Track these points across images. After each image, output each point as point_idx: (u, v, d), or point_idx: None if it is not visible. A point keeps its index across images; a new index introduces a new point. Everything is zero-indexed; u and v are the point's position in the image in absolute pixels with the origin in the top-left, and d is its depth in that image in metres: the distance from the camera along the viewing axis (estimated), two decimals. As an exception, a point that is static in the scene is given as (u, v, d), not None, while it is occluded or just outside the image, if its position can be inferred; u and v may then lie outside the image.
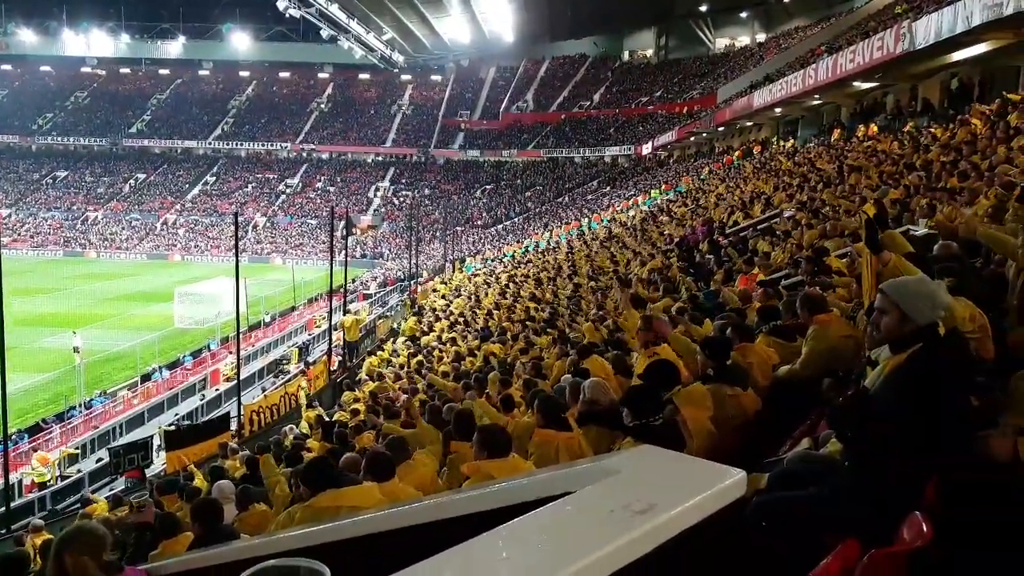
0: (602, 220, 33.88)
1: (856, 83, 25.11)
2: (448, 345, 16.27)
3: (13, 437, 18.08)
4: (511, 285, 22.03)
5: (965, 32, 16.95)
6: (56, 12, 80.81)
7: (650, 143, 54.18)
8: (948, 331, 2.52)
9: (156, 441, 16.96)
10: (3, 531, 12.70)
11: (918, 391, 2.32)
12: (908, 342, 2.42)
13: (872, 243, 3.62)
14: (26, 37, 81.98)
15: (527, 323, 14.02)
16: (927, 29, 18.48)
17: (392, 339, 24.09)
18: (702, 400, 4.02)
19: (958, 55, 19.64)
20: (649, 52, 75.89)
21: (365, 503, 3.59)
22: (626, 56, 77.57)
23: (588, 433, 4.18)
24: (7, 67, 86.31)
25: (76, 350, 25.18)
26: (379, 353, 19.74)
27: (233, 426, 16.84)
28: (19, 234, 64.15)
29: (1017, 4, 14.74)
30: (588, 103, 71.72)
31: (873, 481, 2.34)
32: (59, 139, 78.85)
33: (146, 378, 23.69)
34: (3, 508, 13.62)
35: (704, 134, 44.41)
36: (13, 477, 14.89)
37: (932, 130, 17.32)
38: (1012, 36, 17.02)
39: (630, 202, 36.98)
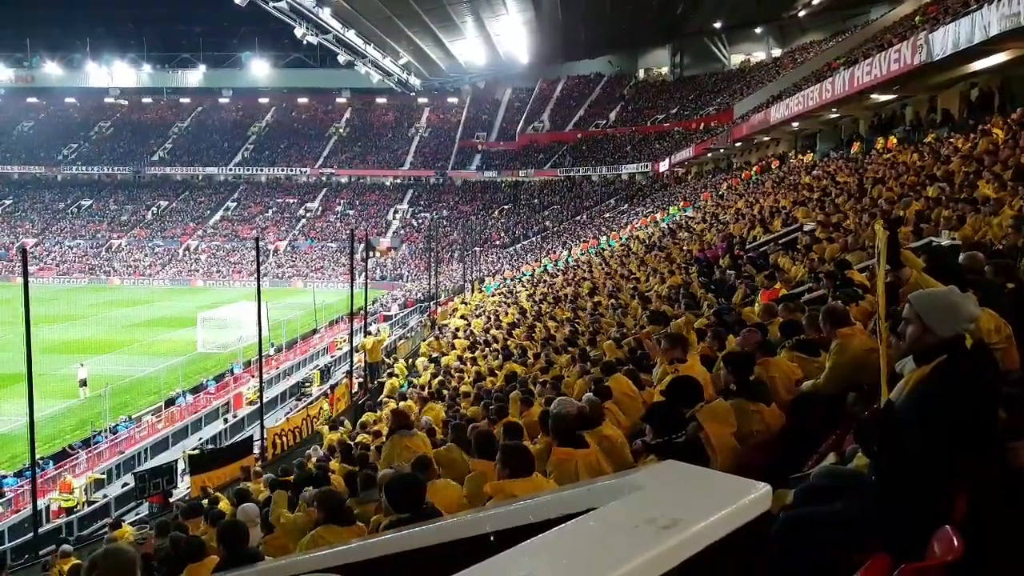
0: (620, 238, 33.77)
1: (874, 95, 24.93)
2: (469, 365, 16.26)
3: (40, 463, 18.35)
4: (530, 304, 22.03)
5: (983, 42, 16.75)
6: (80, 45, 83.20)
7: (667, 160, 54.12)
8: (975, 343, 2.47)
9: (180, 465, 17.10)
10: (32, 556, 12.82)
11: (943, 403, 2.29)
12: (931, 354, 2.40)
13: (894, 259, 3.53)
14: (51, 70, 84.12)
15: (548, 341, 13.98)
16: (944, 40, 18.32)
17: (409, 359, 24.10)
18: (725, 416, 4.00)
19: (976, 65, 19.47)
20: (664, 69, 76.14)
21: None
22: (641, 74, 77.86)
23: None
24: (33, 99, 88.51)
25: (83, 383, 25.35)
26: (394, 377, 19.70)
27: (256, 449, 16.94)
28: (45, 263, 65.26)
29: None
30: (604, 122, 71.93)
31: (901, 496, 2.31)
32: (83, 169, 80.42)
33: (170, 403, 23.89)
34: (31, 534, 13.76)
35: (721, 150, 44.32)
36: (40, 503, 15.03)
37: (952, 140, 17.16)
38: (1032, 45, 16.90)
39: (648, 219, 36.91)
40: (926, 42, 19.17)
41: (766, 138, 38.46)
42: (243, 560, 4.42)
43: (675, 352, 5.63)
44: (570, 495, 1.65)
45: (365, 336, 24.05)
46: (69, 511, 16.69)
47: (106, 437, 20.78)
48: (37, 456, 14.48)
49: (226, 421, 22.70)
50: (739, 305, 9.35)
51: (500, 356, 15.06)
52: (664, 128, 63.84)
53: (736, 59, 69.05)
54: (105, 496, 17.07)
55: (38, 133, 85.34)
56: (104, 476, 18.70)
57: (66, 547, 10.95)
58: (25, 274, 12.85)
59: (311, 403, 21.45)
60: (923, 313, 2.44)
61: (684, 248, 19.00)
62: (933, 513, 2.23)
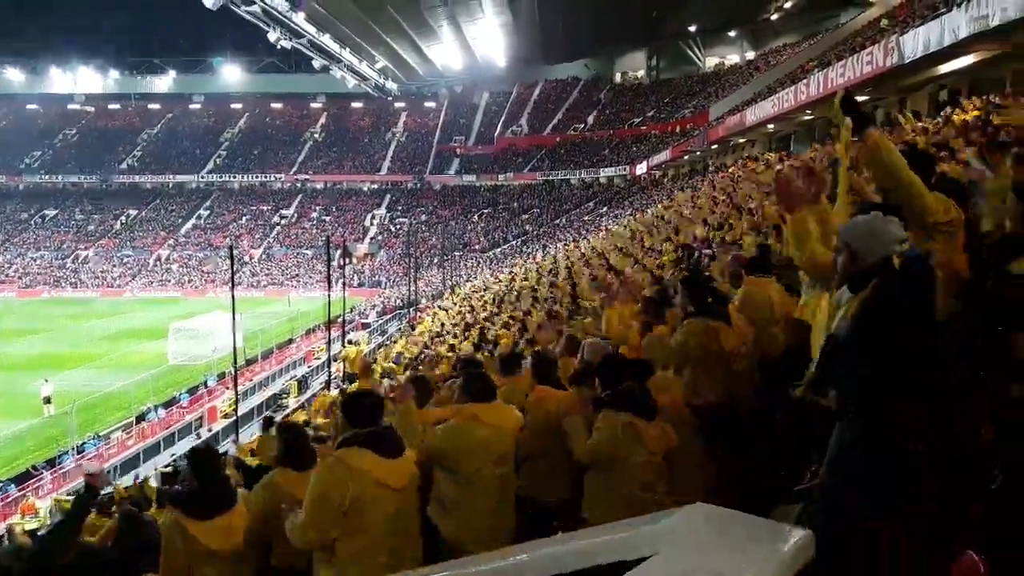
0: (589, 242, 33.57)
1: (847, 97, 25.06)
2: (445, 350, 15.97)
3: (1, 485, 17.69)
4: (508, 301, 21.66)
5: (952, 45, 17.18)
6: (43, 50, 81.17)
7: (644, 163, 54.30)
8: (910, 257, 2.53)
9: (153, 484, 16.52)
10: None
11: (880, 321, 2.34)
12: (864, 280, 2.44)
13: (855, 115, 3.21)
14: (13, 76, 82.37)
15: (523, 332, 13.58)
16: (915, 42, 18.76)
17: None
18: (672, 386, 4.21)
19: (945, 67, 19.87)
20: (640, 73, 76.42)
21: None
22: (618, 77, 78.06)
23: (581, 392, 4.22)
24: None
25: (47, 400, 24.48)
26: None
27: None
28: (7, 275, 63.54)
29: (1003, 16, 14.97)
30: (582, 125, 71.97)
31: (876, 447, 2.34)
32: (47, 177, 78.54)
33: (141, 418, 23.19)
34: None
35: (697, 152, 44.43)
36: (1, 527, 14.41)
37: (921, 124, 17.25)
38: (997, 48, 17.26)
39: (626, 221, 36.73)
40: (897, 45, 19.67)
41: (742, 140, 38.55)
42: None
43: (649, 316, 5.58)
44: (594, 544, 1.51)
45: (344, 345, 23.58)
46: (33, 534, 16.03)
47: (73, 456, 20.07)
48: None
49: (199, 436, 22.05)
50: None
51: (475, 347, 14.73)
52: (641, 131, 64.03)
53: (711, 62, 69.40)
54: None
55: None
56: (71, 498, 18.04)
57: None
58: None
59: (288, 416, 20.93)
60: (850, 241, 2.50)
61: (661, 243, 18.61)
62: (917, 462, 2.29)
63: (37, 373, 27.80)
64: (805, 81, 27.21)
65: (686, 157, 46.51)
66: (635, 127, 65.91)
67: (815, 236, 2.78)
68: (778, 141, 35.23)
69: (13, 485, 18.02)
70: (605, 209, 53.63)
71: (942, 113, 17.39)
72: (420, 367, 15.42)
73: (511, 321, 15.40)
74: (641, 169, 55.45)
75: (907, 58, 19.21)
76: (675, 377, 4.32)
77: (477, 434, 3.65)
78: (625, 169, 59.73)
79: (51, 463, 19.62)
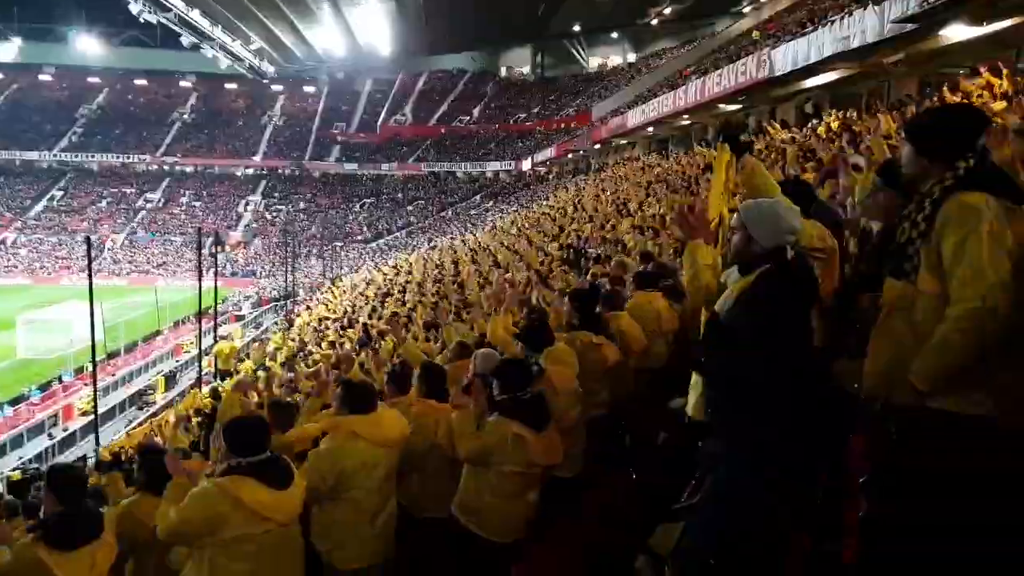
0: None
1: (722, 105, 26.49)
2: (324, 352, 15.50)
3: None
4: (392, 296, 21.31)
5: (818, 61, 18.67)
6: None
7: (530, 159, 55.02)
8: (795, 253, 2.57)
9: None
10: None
11: (764, 308, 2.39)
12: (754, 264, 2.49)
13: (734, 142, 3.39)
14: None
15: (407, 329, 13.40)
16: (785, 57, 20.28)
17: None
18: (567, 357, 4.21)
19: (810, 82, 21.40)
20: (526, 69, 77.30)
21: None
22: (504, 72, 78.57)
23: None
24: None
25: None
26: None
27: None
28: None
29: (862, 39, 16.42)
30: (468, 118, 71.92)
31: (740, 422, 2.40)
32: None
33: (-16, 417, 21.18)
34: None
35: (581, 151, 45.51)
36: None
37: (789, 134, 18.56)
38: (857, 66, 18.77)
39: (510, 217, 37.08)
40: (769, 58, 21.19)
41: (623, 141, 39.81)
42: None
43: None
44: None
45: (216, 340, 22.44)
46: None
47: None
48: None
49: (51, 436, 20.32)
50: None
51: (358, 343, 14.41)
52: (526, 127, 64.82)
53: (594, 62, 71.24)
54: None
55: None
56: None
57: None
58: None
59: (154, 415, 19.72)
60: (748, 223, 2.53)
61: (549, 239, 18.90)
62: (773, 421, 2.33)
63: None
64: (684, 88, 28.50)
65: (570, 155, 47.55)
66: (520, 123, 66.64)
67: (711, 266, 2.79)
68: (657, 143, 36.72)
69: None
70: (491, 203, 53.94)
71: (810, 123, 18.72)
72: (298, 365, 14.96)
73: (395, 318, 15.15)
74: (527, 165, 56.22)
75: (778, 71, 20.72)
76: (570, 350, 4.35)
77: (356, 453, 3.52)
78: (511, 164, 60.32)
79: None
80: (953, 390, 2.15)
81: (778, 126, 19.71)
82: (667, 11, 58.31)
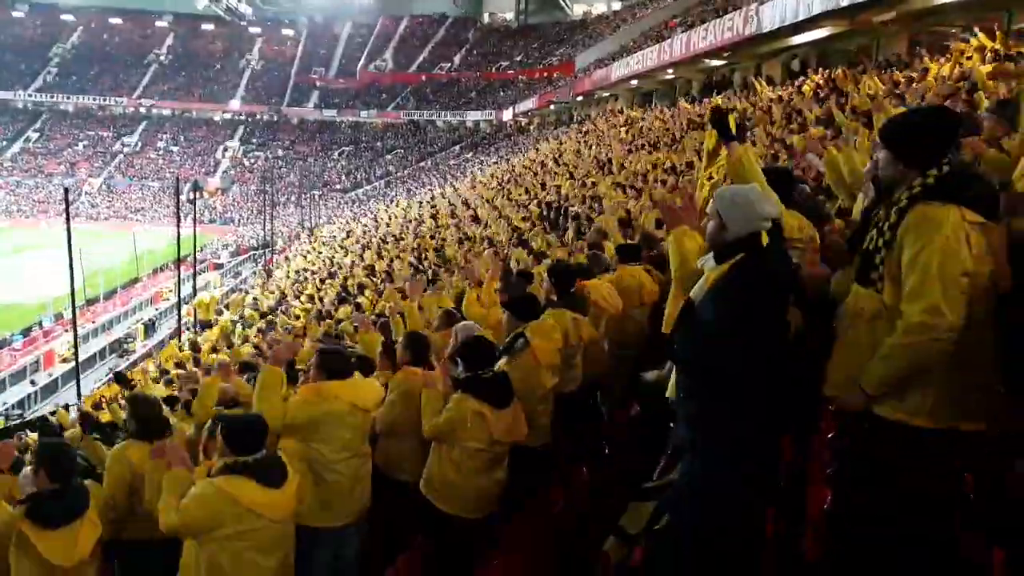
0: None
1: (707, 60, 26.40)
2: (303, 305, 15.71)
3: None
4: (371, 248, 21.48)
5: (807, 19, 18.51)
6: None
7: (511, 109, 54.49)
8: (771, 240, 2.50)
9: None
10: None
11: (738, 298, 2.34)
12: (728, 252, 2.43)
13: (722, 128, 3.33)
14: None
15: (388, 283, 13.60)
16: (773, 14, 20.04)
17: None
18: (550, 332, 4.22)
19: (798, 39, 21.25)
20: (509, 16, 75.86)
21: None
22: (486, 18, 77.13)
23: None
24: None
25: None
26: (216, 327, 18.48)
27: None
28: None
29: None
30: (449, 64, 70.86)
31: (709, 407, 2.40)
32: None
33: (-35, 362, 21.35)
34: None
35: (564, 102, 45.20)
36: None
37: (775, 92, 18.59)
38: (846, 24, 18.62)
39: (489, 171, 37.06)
40: (757, 14, 20.85)
41: (606, 94, 39.60)
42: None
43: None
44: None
45: (195, 289, 22.57)
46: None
47: None
48: None
49: (34, 384, 20.57)
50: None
51: (338, 299, 14.66)
52: (508, 76, 64.02)
53: (579, 9, 70.03)
54: None
55: None
56: None
57: None
58: None
59: (134, 364, 19.96)
60: (721, 209, 2.48)
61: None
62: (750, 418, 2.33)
63: None
64: (668, 41, 28.30)
65: (552, 107, 47.20)
66: (503, 71, 65.76)
67: (695, 253, 2.74)
68: (641, 96, 36.54)
69: None
70: (471, 155, 53.61)
71: (795, 82, 18.69)
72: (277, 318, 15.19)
73: (375, 272, 15.42)
74: (508, 115, 55.68)
75: (765, 28, 20.50)
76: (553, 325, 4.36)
77: (334, 407, 3.58)
78: (491, 114, 59.72)
79: None
80: (892, 396, 2.22)
81: (764, 83, 19.73)
82: (654, -42, 57.21)
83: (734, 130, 3.34)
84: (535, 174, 23.09)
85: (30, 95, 69.96)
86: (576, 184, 16.33)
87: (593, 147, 23.75)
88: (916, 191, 2.23)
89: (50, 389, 20.34)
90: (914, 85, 11.18)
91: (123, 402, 10.85)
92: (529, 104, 50.50)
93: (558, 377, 4.26)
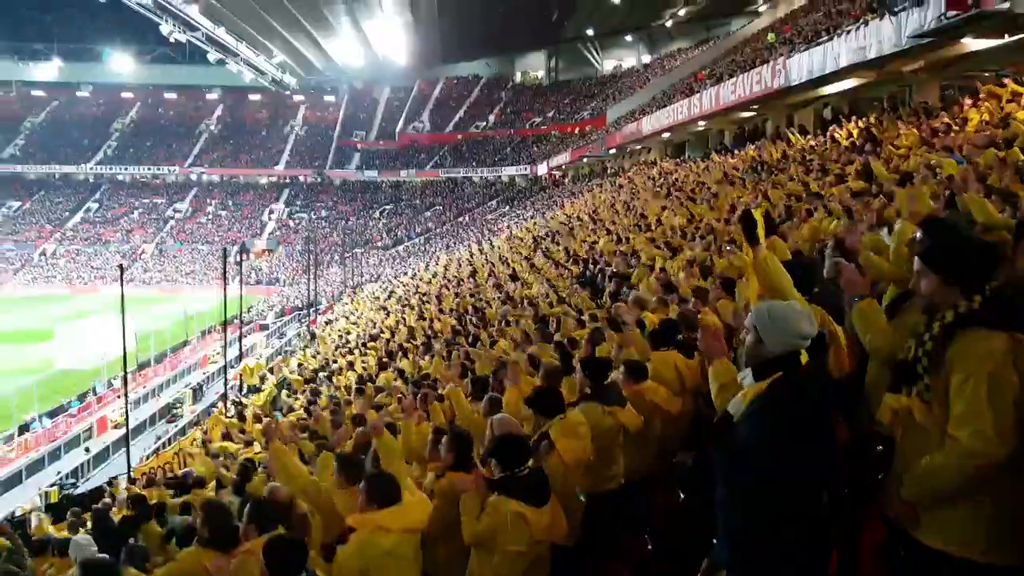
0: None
1: (738, 112, 26.67)
2: (346, 368, 15.91)
3: None
4: (412, 305, 21.73)
5: (833, 71, 18.68)
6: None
7: (545, 163, 55.37)
8: (810, 359, 2.48)
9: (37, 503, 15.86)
10: None
11: (775, 426, 2.31)
12: (766, 369, 2.40)
13: (749, 233, 3.36)
14: None
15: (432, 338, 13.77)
16: (800, 67, 20.30)
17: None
18: (576, 429, 4.07)
19: (828, 89, 21.39)
20: (540, 73, 77.66)
21: None
22: (518, 77, 79.02)
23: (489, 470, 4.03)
24: None
25: None
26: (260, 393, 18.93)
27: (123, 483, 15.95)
28: None
29: (879, 49, 16.40)
30: (484, 123, 72.52)
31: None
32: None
33: (24, 428, 22.08)
34: None
35: (597, 156, 45.82)
36: None
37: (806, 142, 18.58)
38: (874, 75, 18.84)
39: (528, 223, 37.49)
40: (784, 67, 21.09)
41: (639, 146, 40.07)
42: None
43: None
44: None
45: (242, 351, 23.15)
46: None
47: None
48: None
49: (88, 451, 21.14)
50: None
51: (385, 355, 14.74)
52: (541, 131, 65.23)
53: (608, 64, 71.38)
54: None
55: None
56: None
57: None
58: None
59: (182, 432, 20.34)
60: (758, 325, 2.46)
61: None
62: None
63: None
64: (698, 95, 28.67)
65: (585, 160, 47.84)
66: (536, 127, 67.07)
67: (731, 384, 2.73)
68: (674, 147, 36.90)
69: None
70: (508, 208, 54.43)
71: (828, 130, 18.65)
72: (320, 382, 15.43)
73: (415, 336, 15.61)
74: (542, 169, 56.56)
75: (793, 81, 20.73)
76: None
77: (384, 544, 3.50)
78: (527, 169, 60.72)
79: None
80: (938, 525, 2.22)
81: (797, 135, 19.71)
82: (681, 12, 58.30)
83: (763, 231, 3.39)
84: (571, 229, 23.27)
85: (91, 168, 73.79)
86: (611, 240, 16.46)
87: (627, 201, 23.95)
88: (962, 312, 2.21)
89: (102, 458, 20.88)
90: (952, 135, 11.16)
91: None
92: (563, 158, 51.25)
93: (588, 478, 4.13)
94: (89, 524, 8.92)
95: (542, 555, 3.67)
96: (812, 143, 18.11)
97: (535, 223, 33.31)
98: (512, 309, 12.77)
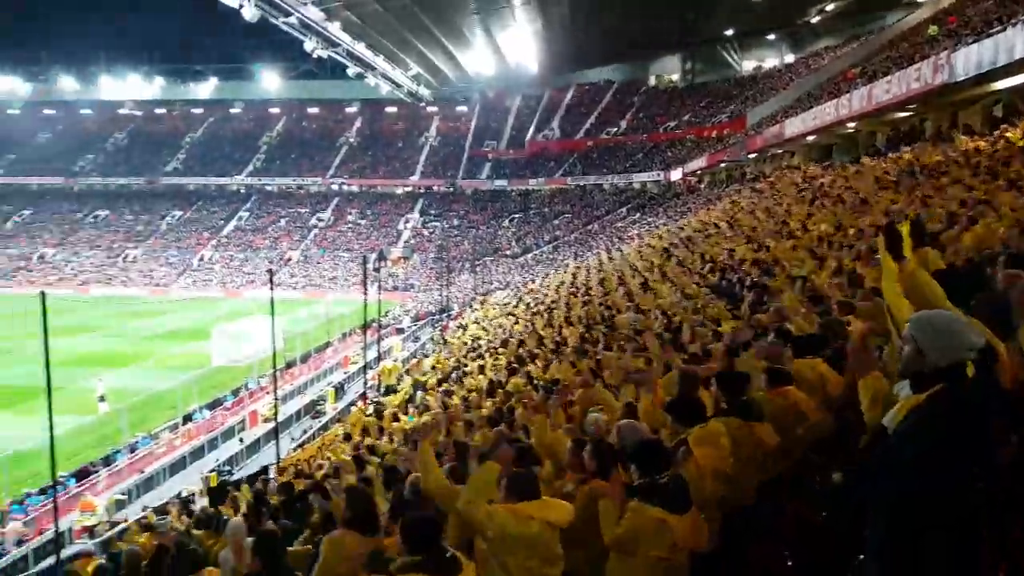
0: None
1: (893, 112, 24.80)
2: (476, 372, 16.12)
3: (62, 481, 18.46)
4: (539, 314, 21.83)
5: (1007, 64, 16.77)
6: (94, 59, 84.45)
7: (680, 169, 53.96)
8: (978, 372, 2.30)
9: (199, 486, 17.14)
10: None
11: (938, 441, 2.14)
12: (926, 382, 2.25)
13: (894, 248, 3.19)
14: (67, 84, 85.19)
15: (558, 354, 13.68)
16: (967, 61, 18.35)
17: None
18: (716, 439, 4.00)
19: (999, 84, 19.31)
20: (675, 76, 75.83)
21: None
22: (652, 81, 77.69)
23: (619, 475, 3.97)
24: (50, 111, 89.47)
25: (102, 399, 25.33)
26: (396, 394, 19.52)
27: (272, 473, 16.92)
28: (64, 273, 65.85)
29: None
30: (615, 129, 71.87)
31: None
32: (99, 179, 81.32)
33: (188, 419, 23.98)
34: (54, 558, 13.80)
35: (736, 161, 44.16)
36: (63, 524, 15.07)
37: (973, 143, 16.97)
38: (1055, 67, 16.74)
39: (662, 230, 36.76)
40: (948, 62, 19.13)
41: (780, 150, 38.30)
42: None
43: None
44: None
45: (380, 353, 24.05)
46: (91, 531, 16.78)
47: (125, 454, 20.87)
48: (58, 474, 14.53)
49: (242, 441, 22.73)
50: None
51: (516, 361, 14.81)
52: (676, 135, 63.62)
53: (748, 65, 68.80)
54: (126, 519, 17.08)
55: (55, 144, 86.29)
56: (125, 496, 18.73)
57: (88, 547, 10.94)
58: (44, 300, 12.94)
59: (324, 427, 21.40)
60: (918, 336, 2.32)
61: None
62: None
63: (88, 371, 28.90)
64: (848, 95, 26.92)
65: (723, 164, 46.21)
66: (670, 131, 65.55)
67: (882, 399, 2.61)
68: (819, 151, 34.93)
69: (74, 480, 18.80)
70: (638, 216, 53.62)
71: (999, 130, 16.98)
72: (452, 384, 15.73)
73: (544, 343, 15.63)
74: (676, 175, 55.14)
75: (959, 76, 18.71)
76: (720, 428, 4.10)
77: (531, 527, 3.57)
78: (659, 175, 59.35)
79: (106, 461, 20.42)
80: None
81: (963, 137, 18.07)
82: (829, 7, 55.14)
83: (908, 245, 3.21)
84: (707, 236, 22.54)
85: (243, 180, 79.77)
86: (752, 247, 15.77)
87: (769, 207, 22.89)
88: None
89: (253, 448, 22.32)
90: None
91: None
92: (699, 163, 49.78)
93: (726, 490, 4.01)
94: (243, 507, 9.52)
95: (682, 563, 3.62)
96: (980, 143, 16.59)
97: (666, 230, 32.63)
98: (642, 317, 12.53)
